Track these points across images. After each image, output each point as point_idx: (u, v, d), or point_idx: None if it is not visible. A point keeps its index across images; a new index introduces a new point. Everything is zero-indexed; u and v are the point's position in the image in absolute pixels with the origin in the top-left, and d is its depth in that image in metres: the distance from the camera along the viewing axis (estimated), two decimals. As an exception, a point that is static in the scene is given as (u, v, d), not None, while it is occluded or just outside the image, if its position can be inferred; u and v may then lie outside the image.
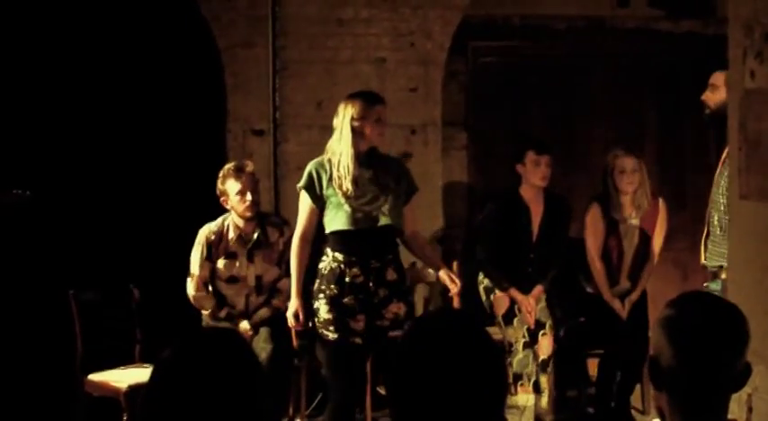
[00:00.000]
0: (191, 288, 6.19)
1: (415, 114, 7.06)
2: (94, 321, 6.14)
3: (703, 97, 5.45)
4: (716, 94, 5.39)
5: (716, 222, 5.63)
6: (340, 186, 5.33)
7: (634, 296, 6.63)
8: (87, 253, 7.18)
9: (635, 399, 6.73)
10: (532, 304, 6.39)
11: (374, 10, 7.08)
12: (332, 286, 5.34)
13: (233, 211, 6.18)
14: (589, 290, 6.69)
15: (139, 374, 5.93)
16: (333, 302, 5.33)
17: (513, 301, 6.43)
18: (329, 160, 5.41)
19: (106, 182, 7.49)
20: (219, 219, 6.26)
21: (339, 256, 5.36)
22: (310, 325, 5.46)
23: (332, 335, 5.32)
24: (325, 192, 5.39)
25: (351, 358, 5.36)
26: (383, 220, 5.37)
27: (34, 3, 7.34)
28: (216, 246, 6.19)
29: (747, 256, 5.23)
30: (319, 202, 5.42)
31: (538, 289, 6.46)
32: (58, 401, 6.48)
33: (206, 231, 6.22)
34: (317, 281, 5.43)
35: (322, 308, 5.35)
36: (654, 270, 6.77)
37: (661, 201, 6.74)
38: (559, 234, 6.60)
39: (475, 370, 2.22)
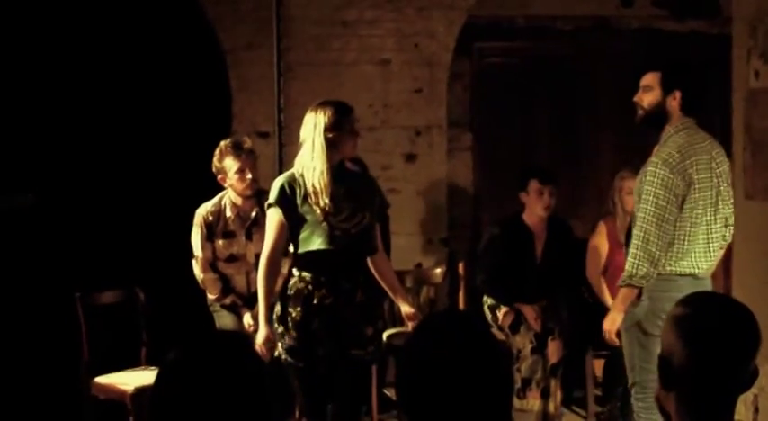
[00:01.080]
0: (197, 269, 6.08)
1: (419, 115, 7.05)
2: (100, 324, 6.15)
3: (636, 99, 5.33)
4: (649, 94, 5.28)
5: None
6: (317, 203, 4.91)
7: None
8: (93, 255, 7.19)
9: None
10: (537, 310, 6.41)
11: (378, 11, 7.08)
12: (297, 309, 4.96)
13: (230, 189, 6.03)
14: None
15: (146, 377, 5.93)
16: (299, 327, 4.97)
17: (518, 312, 6.45)
18: (302, 175, 4.97)
19: (111, 184, 7.49)
20: (216, 199, 6.11)
21: (307, 276, 4.98)
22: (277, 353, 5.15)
23: (298, 363, 5.02)
24: (300, 209, 4.95)
25: (317, 383, 5.08)
26: (359, 238, 5.03)
27: (39, 6, 7.35)
28: (215, 227, 6.06)
29: (753, 257, 5.23)
30: (292, 220, 4.98)
31: (542, 302, 6.49)
32: (65, 404, 6.49)
33: (203, 212, 6.08)
34: (279, 303, 5.06)
35: (287, 335, 5.01)
36: None
37: None
38: (564, 259, 6.62)
39: (481, 370, 2.22)
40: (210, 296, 6.14)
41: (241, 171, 5.90)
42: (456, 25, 7.16)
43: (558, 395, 6.42)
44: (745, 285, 5.95)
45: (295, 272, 5.03)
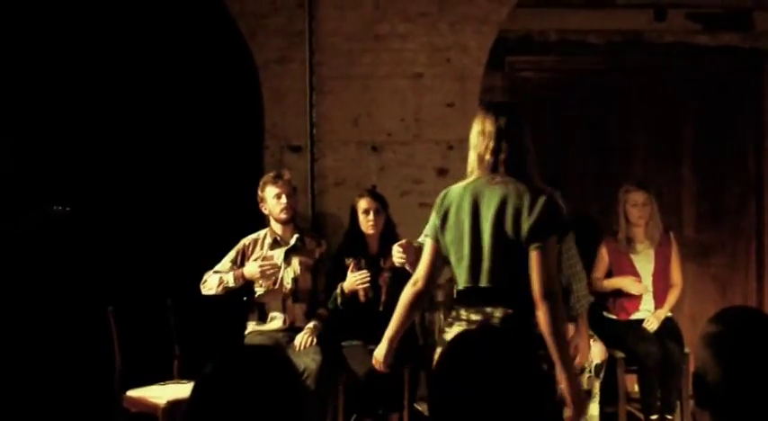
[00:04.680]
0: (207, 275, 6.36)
1: (451, 130, 7.04)
2: (133, 337, 6.17)
3: None
4: None
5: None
6: None
7: (660, 313, 6.73)
8: (126, 268, 7.21)
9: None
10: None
11: (410, 25, 7.08)
12: None
13: (271, 218, 6.41)
14: (612, 316, 6.79)
15: (178, 390, 5.94)
16: None
17: None
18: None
19: (145, 197, 7.53)
20: (261, 231, 6.48)
21: None
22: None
23: None
24: None
25: None
26: None
27: (72, 20, 7.40)
28: (249, 252, 6.39)
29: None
30: None
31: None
32: (97, 417, 6.51)
33: (245, 239, 6.46)
34: None
35: None
36: (682, 295, 6.90)
37: (672, 234, 6.99)
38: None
39: (517, 387, 2.21)
40: (205, 288, 6.31)
41: (278, 196, 6.34)
42: (488, 39, 7.15)
43: (598, 398, 6.40)
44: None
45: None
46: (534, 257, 4.06)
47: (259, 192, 6.41)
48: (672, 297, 6.86)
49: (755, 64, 7.92)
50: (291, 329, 6.28)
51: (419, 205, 6.82)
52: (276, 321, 6.31)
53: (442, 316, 6.29)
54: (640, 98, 7.89)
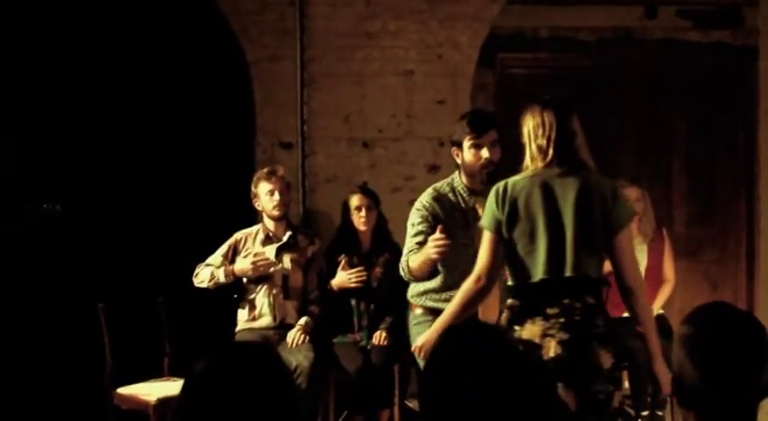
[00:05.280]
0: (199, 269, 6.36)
1: (442, 126, 7.04)
2: (123, 334, 6.16)
3: None
4: None
5: None
6: None
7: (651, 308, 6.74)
8: (116, 266, 7.21)
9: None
10: None
11: (402, 22, 7.08)
12: None
13: (264, 214, 6.38)
14: None
15: (168, 387, 5.93)
16: None
17: None
18: None
19: (135, 195, 7.52)
20: (254, 227, 6.47)
21: None
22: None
23: None
24: None
25: None
26: None
27: (60, 18, 7.39)
28: (241, 247, 6.38)
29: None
30: None
31: None
32: (88, 414, 6.50)
33: (238, 233, 6.44)
34: None
35: None
36: (673, 291, 6.89)
37: (665, 230, 6.97)
38: None
39: (506, 381, 2.21)
40: (197, 280, 6.31)
41: (271, 193, 6.28)
42: (479, 36, 7.15)
43: None
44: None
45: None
46: (622, 243, 4.15)
47: (252, 188, 6.37)
48: (663, 293, 6.86)
49: (746, 60, 7.93)
50: (282, 326, 6.27)
51: (410, 202, 6.79)
52: (266, 318, 6.30)
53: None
54: (631, 95, 7.90)
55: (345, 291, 6.33)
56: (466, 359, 2.23)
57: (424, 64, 7.11)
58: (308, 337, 6.14)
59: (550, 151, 4.19)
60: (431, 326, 4.67)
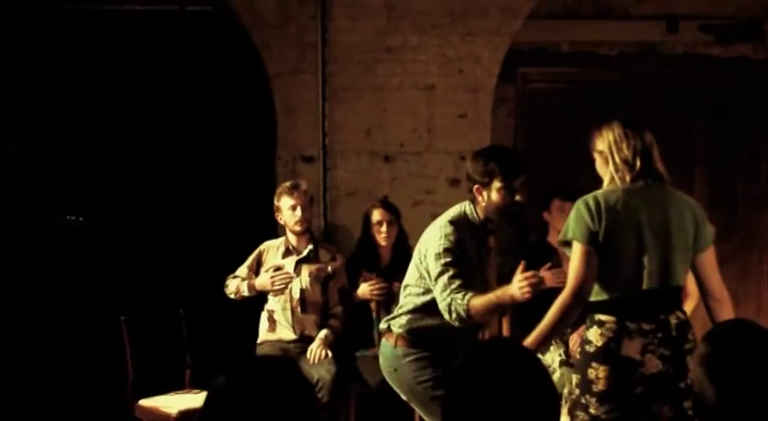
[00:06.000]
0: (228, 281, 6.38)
1: (464, 140, 7.05)
2: (145, 346, 6.18)
3: None
4: None
5: None
6: None
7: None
8: (138, 279, 7.23)
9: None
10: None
11: (423, 37, 7.09)
12: None
13: (287, 228, 6.38)
14: None
15: (189, 400, 5.96)
16: None
17: None
18: None
19: (158, 207, 7.54)
20: (280, 238, 6.48)
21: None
22: None
23: None
24: None
25: None
26: None
27: (84, 31, 7.43)
28: (264, 259, 6.41)
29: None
30: None
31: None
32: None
33: (263, 245, 6.46)
34: None
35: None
36: (694, 307, 6.84)
37: None
38: None
39: (528, 398, 2.21)
40: (228, 291, 6.33)
41: (293, 207, 6.27)
42: (500, 51, 7.16)
43: None
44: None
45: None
46: (711, 258, 4.28)
47: (275, 202, 6.37)
48: (687, 308, 6.79)
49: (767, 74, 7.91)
50: (302, 339, 6.27)
51: (431, 216, 6.80)
52: (286, 331, 6.30)
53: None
54: (653, 109, 7.88)
55: (367, 305, 6.34)
56: (491, 378, 2.24)
57: (446, 78, 7.11)
58: (328, 352, 6.14)
59: (637, 163, 4.23)
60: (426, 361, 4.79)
